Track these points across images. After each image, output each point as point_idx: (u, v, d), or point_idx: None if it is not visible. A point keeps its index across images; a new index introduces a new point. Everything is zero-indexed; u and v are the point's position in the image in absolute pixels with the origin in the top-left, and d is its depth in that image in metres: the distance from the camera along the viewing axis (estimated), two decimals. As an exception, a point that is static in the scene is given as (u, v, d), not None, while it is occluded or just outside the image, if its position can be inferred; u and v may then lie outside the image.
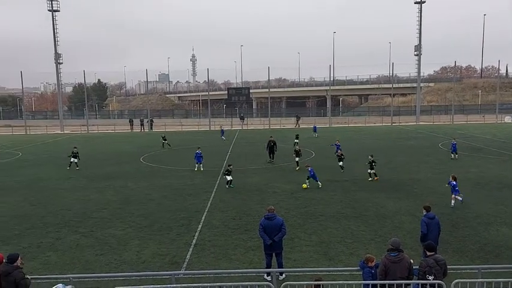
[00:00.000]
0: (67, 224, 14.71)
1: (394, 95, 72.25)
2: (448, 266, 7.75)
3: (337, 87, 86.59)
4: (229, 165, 21.07)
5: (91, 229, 14.14)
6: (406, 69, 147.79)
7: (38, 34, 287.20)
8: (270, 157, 28.03)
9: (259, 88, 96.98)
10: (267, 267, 9.96)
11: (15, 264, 7.64)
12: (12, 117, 77.86)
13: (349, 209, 16.00)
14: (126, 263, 11.23)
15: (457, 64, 68.39)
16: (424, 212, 10.43)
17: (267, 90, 66.07)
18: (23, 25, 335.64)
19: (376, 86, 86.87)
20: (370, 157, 21.74)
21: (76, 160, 26.06)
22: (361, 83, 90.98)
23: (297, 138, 35.15)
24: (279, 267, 9.95)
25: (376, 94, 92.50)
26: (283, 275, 9.94)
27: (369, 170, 21.34)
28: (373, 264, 7.88)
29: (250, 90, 71.66)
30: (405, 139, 40.41)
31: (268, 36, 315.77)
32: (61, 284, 7.83)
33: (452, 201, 15.83)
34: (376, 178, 21.06)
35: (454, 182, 15.82)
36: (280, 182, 20.99)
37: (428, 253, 7.73)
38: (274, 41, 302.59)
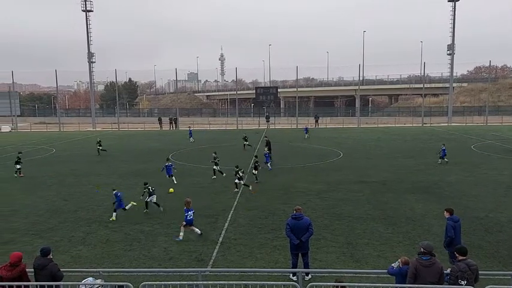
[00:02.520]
0: (97, 219, 15.09)
1: (425, 95, 70.53)
2: (479, 272, 7.51)
3: (366, 87, 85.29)
4: (236, 166, 19.79)
5: (120, 224, 14.45)
6: (438, 68, 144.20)
7: (72, 34, 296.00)
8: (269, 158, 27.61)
9: (287, 87, 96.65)
10: (293, 267, 9.92)
11: (48, 257, 7.91)
12: (47, 114, 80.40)
13: (377, 210, 15.74)
14: (154, 258, 11.43)
15: (492, 64, 66.11)
16: (448, 215, 10.08)
17: (295, 89, 65.77)
18: (58, 26, 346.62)
19: (406, 86, 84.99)
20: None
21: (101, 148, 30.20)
22: (391, 82, 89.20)
23: (245, 140, 34.07)
24: (305, 268, 9.90)
25: (406, 94, 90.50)
26: (309, 276, 9.88)
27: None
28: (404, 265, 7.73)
29: (278, 90, 71.47)
30: (436, 140, 39.38)
31: (297, 35, 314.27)
32: (91, 278, 8.02)
33: None
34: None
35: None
36: (306, 182, 20.87)
37: (460, 257, 7.51)
38: (303, 40, 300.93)
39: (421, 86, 66.85)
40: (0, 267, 7.61)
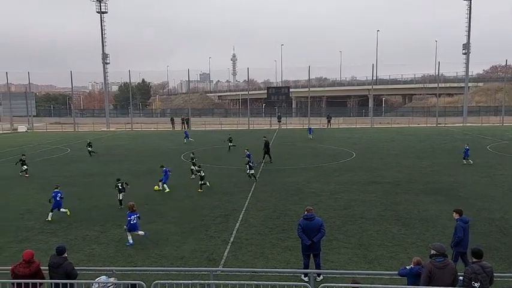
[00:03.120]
0: (111, 219, 15.24)
1: (440, 95, 69.70)
2: (494, 274, 7.39)
3: (379, 87, 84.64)
4: (247, 156, 22.02)
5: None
6: (453, 68, 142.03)
7: (87, 36, 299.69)
8: (269, 157, 27.51)
9: (299, 87, 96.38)
10: (304, 268, 9.89)
11: (64, 255, 8.02)
12: (62, 114, 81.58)
13: (390, 211, 15.60)
14: (166, 257, 11.50)
15: (508, 63, 64.88)
16: (457, 216, 9.95)
17: (307, 89, 65.57)
18: (74, 27, 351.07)
19: (420, 85, 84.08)
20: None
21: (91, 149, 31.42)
22: (405, 82, 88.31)
23: (230, 141, 34.05)
24: (316, 269, 9.86)
25: (420, 94, 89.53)
26: (321, 276, 9.84)
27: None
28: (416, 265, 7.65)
29: (290, 90, 71.30)
30: (451, 141, 38.90)
31: (309, 34, 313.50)
32: (104, 276, 8.11)
33: None
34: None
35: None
36: (319, 183, 20.79)
37: (474, 259, 7.40)
38: (315, 40, 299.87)
39: (436, 85, 66.08)
40: (16, 265, 7.75)
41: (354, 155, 30.11)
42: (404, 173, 22.89)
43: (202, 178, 19.56)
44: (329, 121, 59.81)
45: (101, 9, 62.89)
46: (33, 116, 63.29)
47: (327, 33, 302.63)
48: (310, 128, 44.50)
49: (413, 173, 23.05)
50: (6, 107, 63.05)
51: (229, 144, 33.74)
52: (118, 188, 16.86)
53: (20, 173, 24.06)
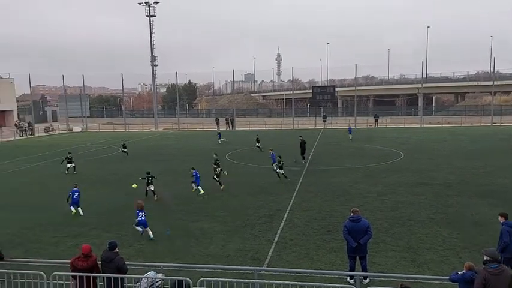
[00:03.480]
0: (158, 216, 15.70)
1: (495, 93, 66.06)
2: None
3: (430, 85, 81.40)
4: (279, 156, 22.09)
5: (180, 221, 14.95)
6: (509, 65, 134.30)
7: (137, 39, 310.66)
8: (302, 157, 27.42)
9: (345, 86, 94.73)
10: (350, 271, 9.73)
11: (115, 250, 8.38)
12: (114, 115, 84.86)
13: (440, 214, 15.01)
14: (211, 255, 11.71)
15: None
16: (502, 220, 9.41)
17: (354, 88, 64.33)
18: (124, 31, 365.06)
19: (474, 83, 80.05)
20: None
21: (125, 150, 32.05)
22: (457, 79, 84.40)
23: (257, 141, 33.79)
24: (363, 271, 9.67)
25: (474, 92, 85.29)
26: (367, 279, 9.63)
27: None
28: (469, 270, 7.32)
29: (336, 89, 70.23)
30: (507, 141, 36.80)
31: (355, 32, 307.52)
32: (153, 272, 8.38)
33: None
34: None
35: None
36: (366, 184, 20.36)
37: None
38: (362, 38, 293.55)
39: (491, 83, 62.68)
40: (75, 258, 8.18)
41: (402, 156, 29.21)
42: (456, 175, 21.94)
43: (218, 175, 20.16)
44: (376, 121, 58.33)
45: (149, 13, 64.89)
46: (87, 117, 66.32)
47: (374, 31, 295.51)
48: (350, 128, 43.64)
49: (465, 174, 22.04)
50: (62, 109, 66.57)
51: (257, 144, 33.89)
52: (147, 181, 18.33)
53: (66, 172, 25.18)
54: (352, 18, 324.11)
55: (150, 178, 18.60)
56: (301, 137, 28.86)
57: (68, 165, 25.37)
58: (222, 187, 19.77)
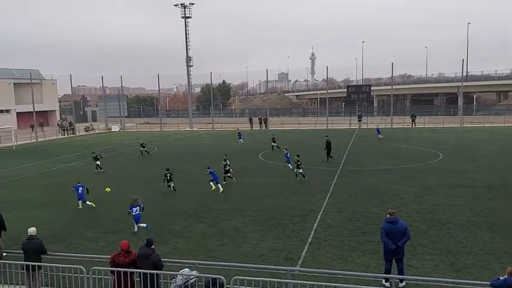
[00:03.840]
0: (193, 214, 15.97)
1: (541, 90, 62.88)
2: None
3: (470, 83, 78.48)
4: (297, 155, 22.12)
5: (214, 220, 15.14)
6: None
7: (173, 40, 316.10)
8: (327, 157, 27.26)
9: (381, 85, 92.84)
10: (385, 273, 9.53)
11: (152, 247, 8.60)
12: (150, 115, 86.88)
13: (481, 217, 14.45)
14: (245, 254, 11.78)
15: None
16: None
17: (390, 87, 62.96)
18: (160, 32, 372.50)
19: (518, 81, 76.55)
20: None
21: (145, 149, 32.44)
22: (500, 78, 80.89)
23: (273, 141, 33.54)
24: (399, 274, 9.45)
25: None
26: (404, 283, 9.42)
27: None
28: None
29: (371, 88, 68.94)
30: (555, 141, 34.96)
31: (391, 30, 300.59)
32: (187, 269, 8.52)
33: None
34: None
35: None
36: (402, 185, 19.89)
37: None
38: (399, 35, 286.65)
39: (537, 80, 59.74)
40: (115, 254, 8.46)
41: (441, 156, 28.32)
42: (498, 177, 21.05)
43: (227, 172, 21.10)
44: (413, 120, 56.76)
45: (185, 14, 65.97)
46: (125, 117, 68.20)
47: (411, 28, 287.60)
48: (378, 129, 42.96)
49: (508, 176, 21.12)
50: (102, 109, 68.78)
51: (273, 144, 33.67)
52: (167, 177, 19.59)
53: (96, 171, 25.92)
54: (388, 16, 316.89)
55: (170, 175, 19.65)
56: (326, 136, 28.70)
57: (98, 163, 26.26)
58: (234, 180, 21.07)
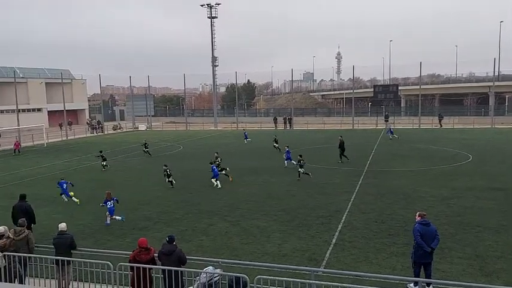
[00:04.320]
0: (218, 213, 16.09)
1: None
2: None
3: (502, 83, 75.92)
4: (299, 155, 22.51)
5: (238, 219, 15.20)
6: None
7: (199, 39, 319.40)
8: (340, 157, 27.32)
9: (408, 85, 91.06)
10: (415, 277, 9.35)
11: (174, 243, 8.74)
12: (176, 114, 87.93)
13: (513, 221, 13.98)
14: (268, 254, 11.78)
15: None
16: None
17: (418, 87, 61.66)
18: (187, 32, 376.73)
19: (553, 80, 73.61)
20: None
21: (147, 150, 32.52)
22: (535, 77, 78.04)
23: (275, 141, 33.54)
24: (427, 278, 9.25)
25: (553, 90, 78.33)
26: (430, 286, 9.21)
27: None
28: None
29: (399, 87, 67.70)
30: None
31: (420, 28, 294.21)
32: (211, 267, 8.59)
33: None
34: None
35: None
36: (429, 187, 19.46)
37: None
38: (427, 34, 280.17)
39: None
40: (136, 252, 8.60)
41: (470, 158, 27.56)
42: (532, 180, 20.32)
43: (221, 170, 21.89)
44: (440, 121, 55.45)
45: (211, 14, 66.50)
46: (152, 116, 69.29)
47: (440, 26, 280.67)
48: (391, 129, 42.67)
49: (543, 179, 20.35)
50: (129, 108, 70.16)
51: (275, 144, 33.66)
52: (166, 173, 20.80)
53: (103, 169, 26.54)
54: (416, 14, 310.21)
55: (168, 170, 20.88)
56: (341, 137, 28.62)
57: (104, 163, 26.81)
58: (230, 179, 21.75)
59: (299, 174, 21.83)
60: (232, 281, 7.93)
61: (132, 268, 8.39)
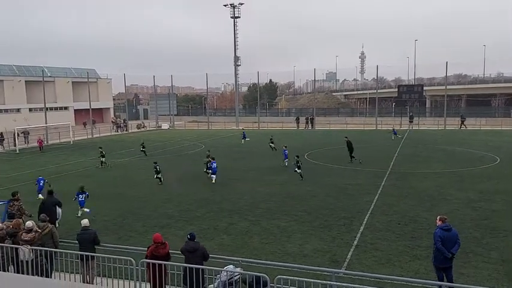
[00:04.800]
0: (238, 212, 16.15)
1: None
2: None
3: (532, 83, 73.70)
4: (296, 156, 23.00)
5: (258, 218, 15.22)
6: None
7: (221, 39, 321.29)
8: (350, 157, 27.33)
9: (434, 85, 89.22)
10: (438, 281, 9.17)
11: (195, 240, 8.94)
12: (198, 113, 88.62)
13: (542, 226, 13.54)
14: (289, 254, 11.75)
15: None
16: None
17: (444, 87, 60.37)
18: (210, 32, 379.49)
19: None
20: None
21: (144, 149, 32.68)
22: None
23: (271, 142, 33.37)
24: (448, 282, 9.06)
25: None
26: (454, 291, 9.01)
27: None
28: None
29: (424, 88, 66.43)
30: None
31: (446, 27, 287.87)
32: (232, 266, 8.65)
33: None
34: None
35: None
36: (455, 189, 19.04)
37: None
38: (454, 33, 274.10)
39: None
40: (153, 247, 8.78)
41: (498, 161, 26.82)
42: None
43: (299, 167, 22.16)
44: (463, 122, 53.97)
45: (234, 14, 66.74)
46: (174, 115, 70.05)
47: (467, 25, 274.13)
48: (394, 130, 42.87)
49: None
50: (153, 107, 71.14)
51: (271, 144, 33.64)
52: (156, 170, 21.70)
53: (102, 165, 27.24)
54: (443, 13, 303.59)
55: (158, 167, 21.71)
56: (346, 137, 28.61)
57: (103, 159, 27.57)
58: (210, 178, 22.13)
59: (300, 175, 21.91)
60: (252, 280, 7.95)
61: (148, 264, 8.55)
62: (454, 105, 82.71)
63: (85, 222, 10.12)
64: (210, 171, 22.28)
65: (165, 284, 8.50)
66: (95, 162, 29.38)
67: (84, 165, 28.59)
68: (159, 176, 21.62)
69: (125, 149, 37.33)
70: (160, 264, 8.35)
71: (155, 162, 22.39)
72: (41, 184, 19.10)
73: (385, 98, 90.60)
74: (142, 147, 33.22)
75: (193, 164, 28.32)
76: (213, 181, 21.58)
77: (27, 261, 9.11)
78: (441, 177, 21.84)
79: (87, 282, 9.43)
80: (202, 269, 8.37)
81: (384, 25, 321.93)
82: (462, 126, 53.08)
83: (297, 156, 22.78)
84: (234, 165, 27.36)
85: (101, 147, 28.98)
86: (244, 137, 41.64)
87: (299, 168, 22.09)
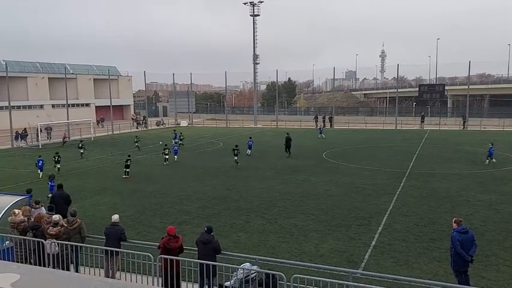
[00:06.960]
0: (255, 210, 16.17)
1: None
2: None
3: (559, 83, 71.54)
4: (236, 145, 26.51)
5: (275, 217, 15.21)
6: None
7: (241, 37, 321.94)
8: (287, 152, 29.99)
9: (456, 85, 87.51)
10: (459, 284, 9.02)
11: (211, 234, 9.26)
12: (217, 111, 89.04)
13: None
14: (305, 253, 11.72)
15: None
16: None
17: (466, 87, 59.13)
18: (228, 30, 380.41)
19: None
20: None
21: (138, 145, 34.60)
22: None
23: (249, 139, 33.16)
24: (466, 285, 8.90)
25: None
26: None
27: None
28: None
29: (445, 87, 65.22)
30: None
31: (469, 26, 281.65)
32: (248, 263, 8.66)
33: None
34: None
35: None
36: (475, 191, 18.66)
37: None
38: (477, 32, 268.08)
39: None
40: (166, 240, 8.99)
41: (522, 162, 26.14)
42: None
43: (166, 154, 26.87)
44: (464, 122, 52.70)
45: (254, 12, 66.72)
46: (193, 113, 70.51)
47: (491, 24, 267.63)
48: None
49: None
50: (172, 104, 71.74)
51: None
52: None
53: (81, 157, 29.63)
54: (465, 10, 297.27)
55: (129, 160, 23.54)
56: (287, 134, 31.27)
57: (81, 151, 30.15)
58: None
59: (236, 161, 25.66)
60: (268, 278, 7.96)
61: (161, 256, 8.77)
62: (477, 106, 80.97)
63: (115, 218, 10.27)
64: (167, 156, 26.86)
65: (176, 278, 8.60)
66: (113, 159, 29.81)
67: (104, 161, 29.04)
68: (128, 170, 23.19)
69: (145, 145, 37.74)
70: (172, 259, 8.53)
71: (129, 155, 24.37)
72: (39, 164, 21.02)
73: (406, 98, 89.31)
74: (136, 141, 35.34)
75: (211, 161, 28.47)
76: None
77: (53, 255, 9.30)
78: (462, 179, 21.43)
79: (109, 277, 9.59)
80: (219, 266, 8.43)
81: (405, 23, 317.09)
82: (463, 126, 51.95)
83: (236, 146, 26.42)
84: (251, 164, 27.38)
85: (81, 140, 32.13)
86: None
87: (236, 155, 25.83)
